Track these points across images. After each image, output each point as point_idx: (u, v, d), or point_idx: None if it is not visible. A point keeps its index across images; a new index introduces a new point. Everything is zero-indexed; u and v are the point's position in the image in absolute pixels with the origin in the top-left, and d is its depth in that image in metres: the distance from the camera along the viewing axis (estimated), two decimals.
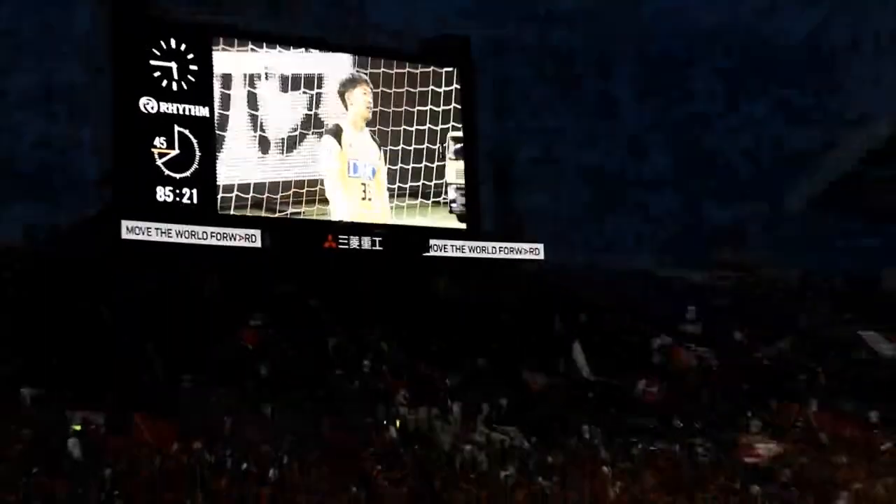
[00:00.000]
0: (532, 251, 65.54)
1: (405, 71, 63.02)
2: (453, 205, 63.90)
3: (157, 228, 53.41)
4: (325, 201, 59.49)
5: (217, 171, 56.70)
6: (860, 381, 60.93)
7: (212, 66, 57.09)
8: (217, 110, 57.34)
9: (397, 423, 46.00)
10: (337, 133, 60.55)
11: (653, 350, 59.81)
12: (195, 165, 55.82)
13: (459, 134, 64.56)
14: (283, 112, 59.45)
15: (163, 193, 54.92)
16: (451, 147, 64.12)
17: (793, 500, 45.03)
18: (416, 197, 62.84)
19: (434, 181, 63.63)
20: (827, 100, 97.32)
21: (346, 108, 60.96)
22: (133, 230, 52.73)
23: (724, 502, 43.65)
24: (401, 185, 62.16)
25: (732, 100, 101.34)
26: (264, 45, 59.10)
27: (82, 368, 44.22)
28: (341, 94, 61.09)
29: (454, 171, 64.35)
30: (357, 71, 61.79)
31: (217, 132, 56.91)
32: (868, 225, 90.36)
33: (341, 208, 60.09)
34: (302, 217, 58.81)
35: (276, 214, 58.08)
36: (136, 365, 46.10)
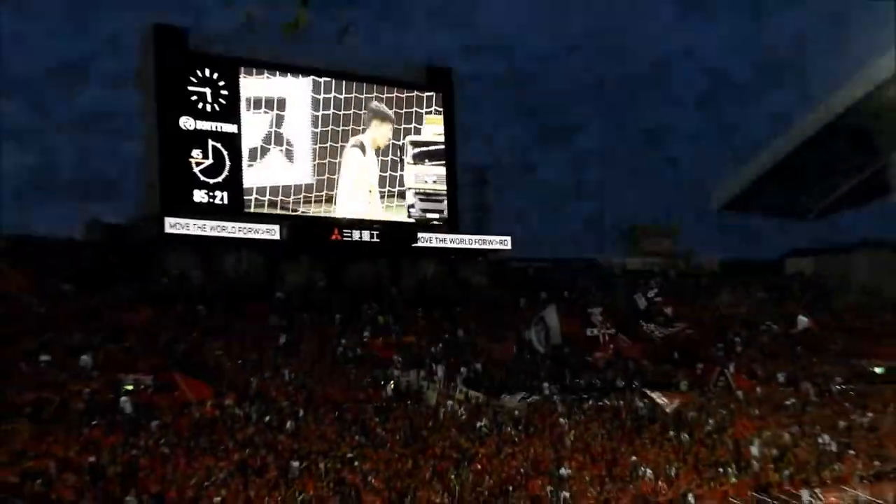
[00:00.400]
0: (501, 242, 66.03)
1: (394, 95, 63.07)
2: (412, 209, 63.38)
3: (194, 224, 54.18)
4: (329, 201, 59.44)
5: (243, 176, 57.04)
6: (769, 349, 61.49)
7: (239, 90, 57.22)
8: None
9: (392, 383, 46.13)
10: (362, 148, 61.05)
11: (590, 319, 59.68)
12: (225, 172, 56.05)
13: (418, 138, 64.06)
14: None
15: (199, 195, 55.33)
16: (410, 151, 63.44)
17: (714, 445, 45.34)
18: (403, 198, 62.85)
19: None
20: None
21: (365, 131, 61.36)
22: (175, 226, 53.61)
23: (658, 447, 43.89)
24: (390, 188, 62.19)
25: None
26: (277, 73, 59.08)
27: (135, 338, 44.38)
28: (369, 119, 61.60)
29: (412, 175, 63.67)
30: (385, 108, 62.43)
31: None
32: (774, 221, 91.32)
33: (350, 208, 60.15)
34: (312, 214, 58.95)
35: (290, 212, 58.22)
36: (181, 334, 46.24)
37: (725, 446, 45.41)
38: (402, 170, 63.01)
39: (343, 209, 59.76)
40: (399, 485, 34.60)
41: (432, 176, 64.55)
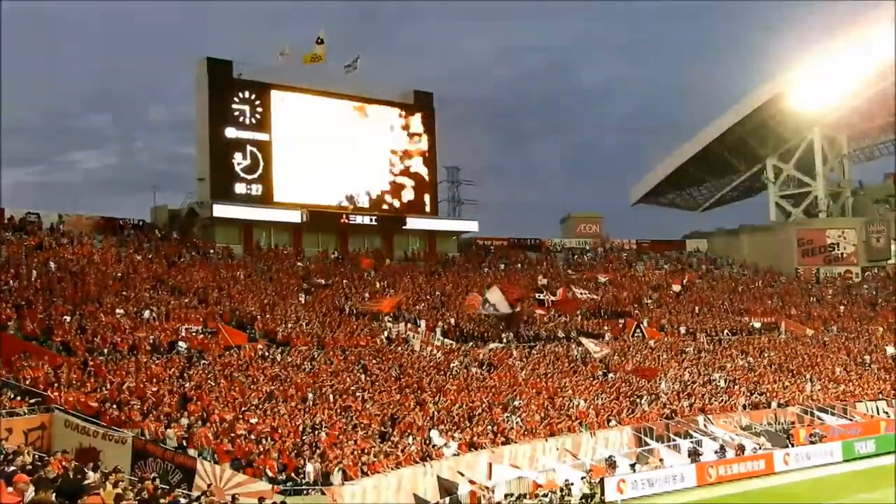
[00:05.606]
0: (470, 226, 66.26)
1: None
2: None
3: (236, 209, 54.62)
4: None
5: (274, 173, 56.39)
6: (673, 308, 61.34)
7: (270, 108, 56.64)
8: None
9: (385, 332, 45.57)
10: None
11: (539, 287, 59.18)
12: (259, 171, 55.62)
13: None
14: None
15: (240, 188, 55.04)
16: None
17: (632, 381, 45.18)
18: None
19: None
20: None
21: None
22: (221, 211, 54.13)
23: (589, 383, 43.70)
24: None
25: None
26: (296, 94, 58.29)
27: (190, 297, 43.72)
28: None
29: None
30: None
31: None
32: (678, 211, 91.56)
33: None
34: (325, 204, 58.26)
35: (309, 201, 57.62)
36: (225, 293, 45.49)
37: (640, 382, 45.34)
38: None
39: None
40: (390, 411, 34.29)
41: None
